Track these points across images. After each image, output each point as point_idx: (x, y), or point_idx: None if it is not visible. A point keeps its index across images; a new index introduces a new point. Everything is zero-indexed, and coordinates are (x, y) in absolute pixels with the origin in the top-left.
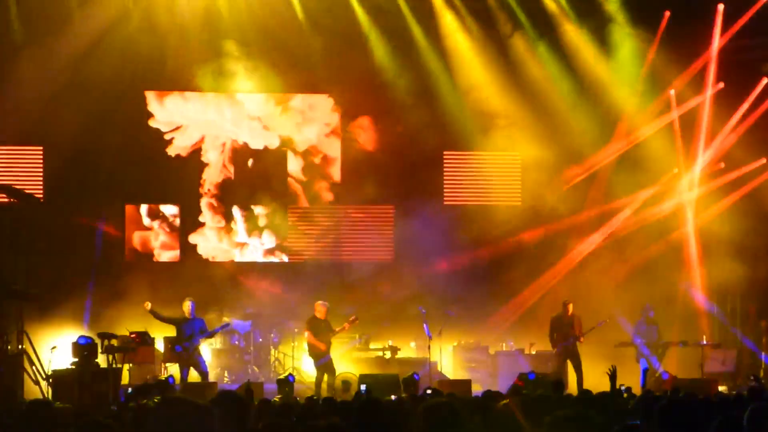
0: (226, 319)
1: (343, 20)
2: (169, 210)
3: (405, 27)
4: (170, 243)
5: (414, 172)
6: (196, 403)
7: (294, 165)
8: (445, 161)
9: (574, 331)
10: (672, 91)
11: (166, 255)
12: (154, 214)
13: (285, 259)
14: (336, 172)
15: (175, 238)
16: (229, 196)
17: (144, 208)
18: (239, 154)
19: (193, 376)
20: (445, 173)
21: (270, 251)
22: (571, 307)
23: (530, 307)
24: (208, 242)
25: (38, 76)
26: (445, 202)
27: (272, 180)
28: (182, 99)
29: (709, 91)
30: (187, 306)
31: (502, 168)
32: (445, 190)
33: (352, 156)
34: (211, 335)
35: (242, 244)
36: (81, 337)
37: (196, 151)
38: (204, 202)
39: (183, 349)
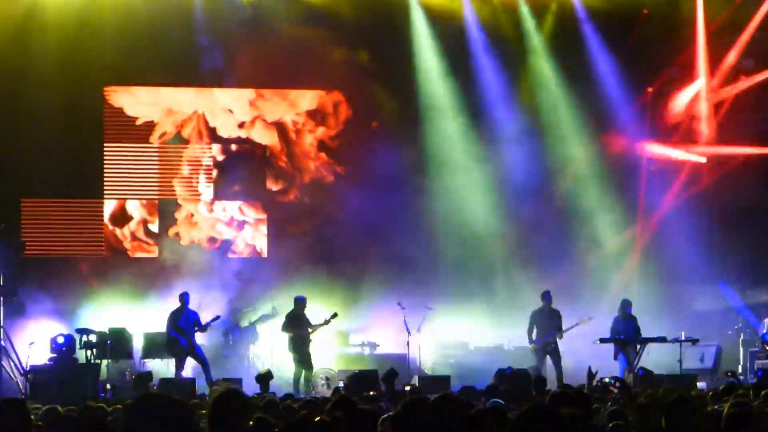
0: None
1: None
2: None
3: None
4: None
5: None
6: (177, 399)
7: None
8: None
9: (554, 326)
10: None
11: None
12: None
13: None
14: None
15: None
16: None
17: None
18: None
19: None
20: None
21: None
22: (549, 300)
23: (510, 302)
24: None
25: None
26: None
27: None
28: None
29: None
30: (181, 298)
31: None
32: None
33: None
34: (203, 328)
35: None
36: (59, 334)
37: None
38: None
39: (187, 342)
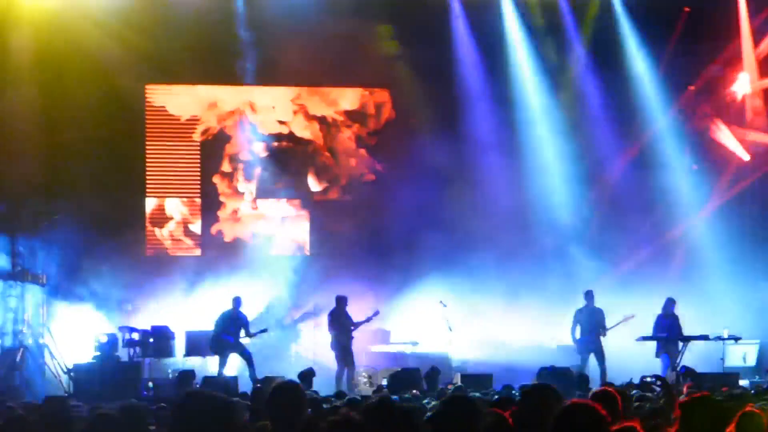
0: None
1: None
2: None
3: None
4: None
5: None
6: (223, 397)
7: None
8: None
9: (597, 324)
10: None
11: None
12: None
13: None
14: None
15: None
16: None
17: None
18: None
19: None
20: None
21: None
22: (593, 298)
23: (554, 300)
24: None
25: None
26: None
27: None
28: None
29: None
30: (234, 301)
31: None
32: None
33: None
34: (251, 335)
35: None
36: (103, 332)
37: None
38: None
39: (234, 338)
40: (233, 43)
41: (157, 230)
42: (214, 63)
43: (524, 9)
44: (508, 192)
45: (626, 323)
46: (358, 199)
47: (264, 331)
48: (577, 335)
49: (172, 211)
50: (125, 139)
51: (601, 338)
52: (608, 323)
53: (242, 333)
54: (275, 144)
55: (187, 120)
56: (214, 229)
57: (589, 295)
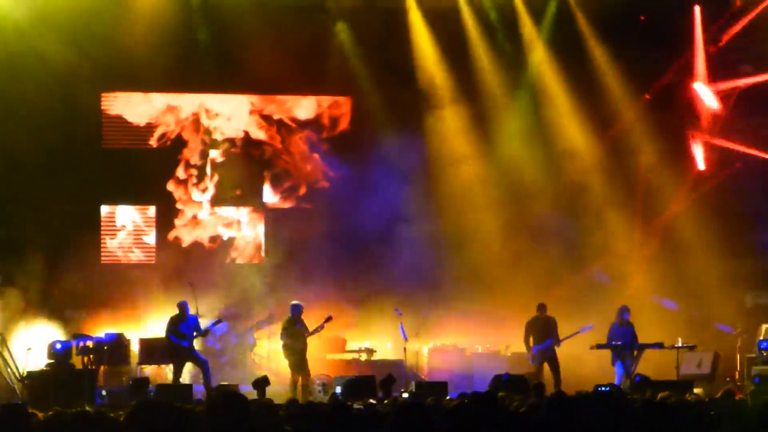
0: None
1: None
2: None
3: None
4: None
5: None
6: (175, 405)
7: None
8: None
9: (550, 334)
10: None
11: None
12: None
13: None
14: None
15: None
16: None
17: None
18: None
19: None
20: None
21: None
22: (545, 309)
23: (507, 309)
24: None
25: None
26: None
27: None
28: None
29: None
30: (180, 306)
31: None
32: None
33: None
34: (204, 333)
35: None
36: (57, 340)
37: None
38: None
39: (189, 345)
40: (190, 50)
41: (108, 239)
42: (171, 70)
43: (482, 14)
44: (467, 200)
45: (584, 333)
46: (315, 207)
47: (218, 322)
48: (531, 344)
49: (127, 218)
50: (82, 146)
51: (555, 347)
52: (563, 333)
53: (195, 334)
54: (232, 150)
55: (144, 126)
56: (170, 236)
57: (541, 307)
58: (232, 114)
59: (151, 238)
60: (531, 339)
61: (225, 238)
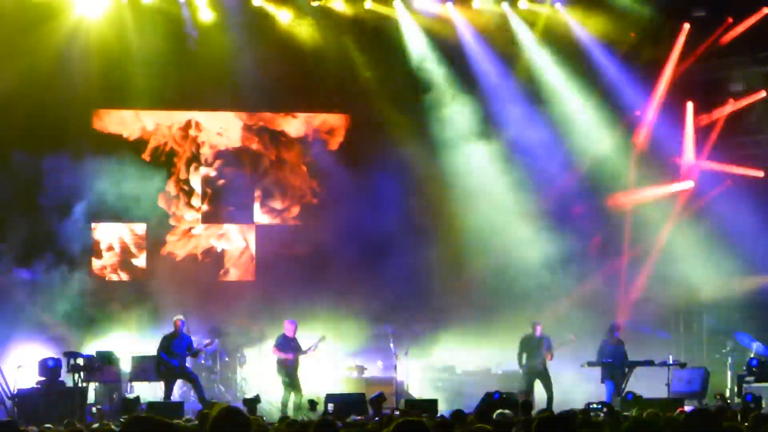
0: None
1: None
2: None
3: None
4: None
5: None
6: (165, 421)
7: None
8: None
9: (543, 352)
10: None
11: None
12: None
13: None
14: None
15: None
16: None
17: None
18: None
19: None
20: None
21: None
22: (540, 327)
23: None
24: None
25: None
26: None
27: None
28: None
29: None
30: (177, 323)
31: None
32: None
33: None
34: (195, 353)
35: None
36: (47, 357)
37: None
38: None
39: (180, 364)
40: (183, 68)
41: (96, 260)
42: (164, 88)
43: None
44: (456, 219)
45: (567, 345)
46: (306, 224)
47: (210, 343)
48: (523, 362)
49: (118, 235)
50: (73, 161)
51: (547, 363)
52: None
53: (187, 353)
54: (225, 168)
55: (134, 140)
56: (162, 252)
57: (535, 324)
58: (225, 131)
59: (143, 254)
60: (524, 356)
61: (215, 255)
